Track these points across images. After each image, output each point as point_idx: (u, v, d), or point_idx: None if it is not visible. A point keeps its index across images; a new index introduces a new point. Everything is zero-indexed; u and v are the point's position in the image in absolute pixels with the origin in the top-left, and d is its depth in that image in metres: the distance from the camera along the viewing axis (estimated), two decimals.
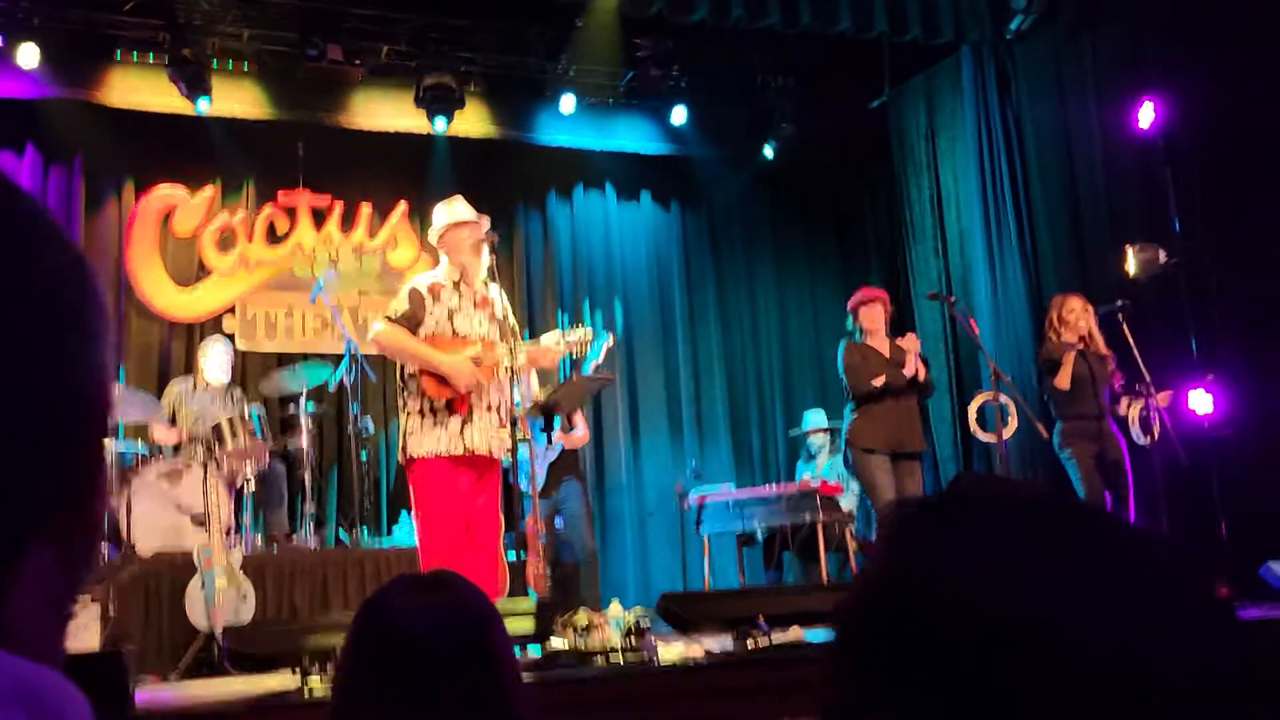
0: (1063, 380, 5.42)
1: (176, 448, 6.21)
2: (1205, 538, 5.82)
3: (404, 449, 4.33)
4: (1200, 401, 6.01)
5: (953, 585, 0.52)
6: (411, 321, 4.35)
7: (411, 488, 4.37)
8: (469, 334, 4.39)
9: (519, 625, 3.51)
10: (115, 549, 5.55)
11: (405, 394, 4.39)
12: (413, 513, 4.43)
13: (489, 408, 4.37)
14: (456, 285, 4.47)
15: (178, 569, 5.26)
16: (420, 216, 7.87)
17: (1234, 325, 6.23)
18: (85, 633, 4.72)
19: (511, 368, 4.33)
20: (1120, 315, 5.49)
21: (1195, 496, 5.87)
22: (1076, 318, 5.58)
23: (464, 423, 4.29)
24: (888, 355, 5.62)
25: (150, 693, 3.80)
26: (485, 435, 4.31)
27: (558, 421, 5.97)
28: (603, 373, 5.66)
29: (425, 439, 4.27)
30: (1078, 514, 0.55)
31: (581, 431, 6.40)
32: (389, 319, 4.35)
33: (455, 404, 4.29)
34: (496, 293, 4.61)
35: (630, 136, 8.24)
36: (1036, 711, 0.48)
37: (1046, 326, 5.70)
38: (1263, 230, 6.07)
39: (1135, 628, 0.50)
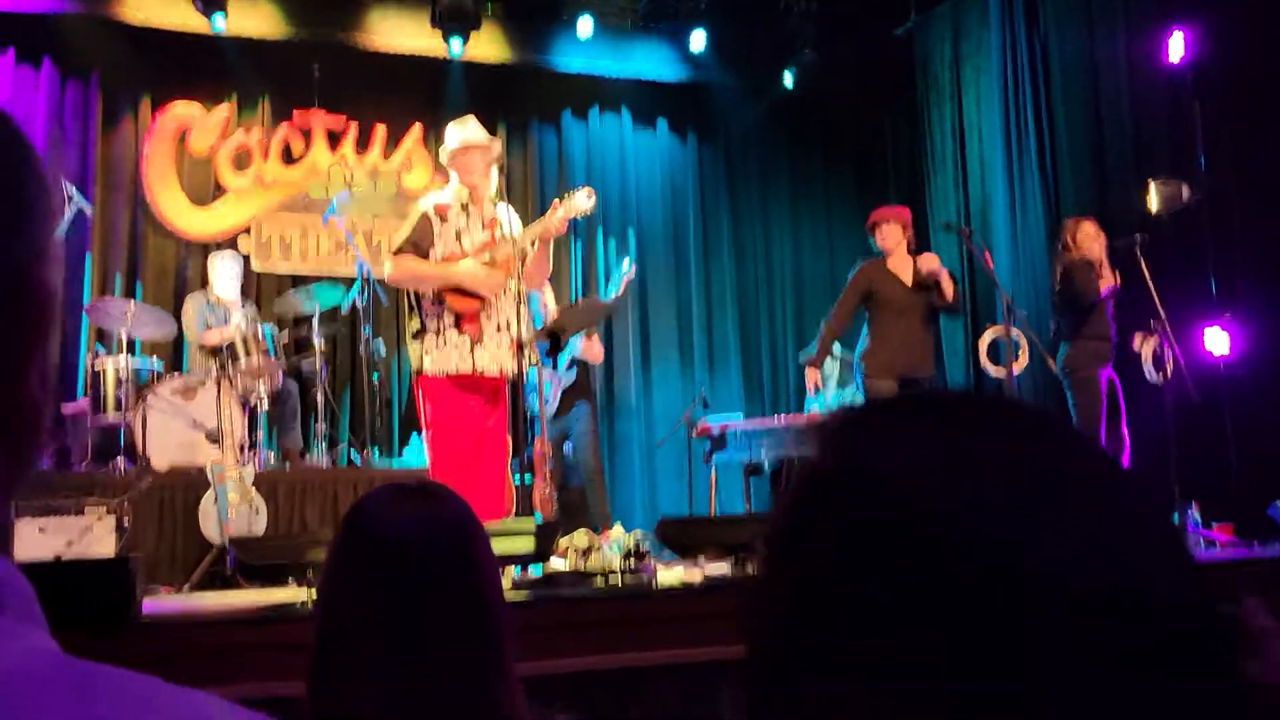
0: (1093, 289, 5.23)
1: (198, 359, 6.25)
2: (1215, 477, 5.80)
3: (416, 366, 4.35)
4: (1215, 340, 5.94)
5: (895, 482, 0.49)
6: (419, 246, 4.34)
7: (421, 406, 4.41)
8: (487, 283, 4.36)
9: (520, 545, 3.54)
10: (131, 463, 5.62)
11: (417, 313, 4.39)
12: (423, 432, 4.47)
13: (499, 328, 4.37)
14: (465, 207, 4.45)
15: (192, 484, 5.32)
16: (435, 140, 7.79)
17: (1254, 265, 6.12)
18: (100, 544, 4.81)
19: (519, 290, 4.31)
20: (1138, 249, 5.39)
21: (1206, 436, 5.83)
22: (1090, 242, 5.46)
23: (474, 343, 4.30)
24: (908, 281, 5.46)
25: (159, 602, 3.88)
26: (495, 356, 4.32)
27: (574, 342, 5.97)
28: (608, 300, 5.62)
29: (437, 357, 4.29)
30: (1035, 419, 0.53)
31: (597, 348, 6.40)
32: (396, 253, 4.36)
33: (464, 322, 4.29)
34: (505, 211, 4.57)
35: (648, 62, 8.10)
36: (974, 615, 0.46)
37: (1059, 247, 5.57)
38: None
39: (1080, 539, 0.47)
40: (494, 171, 4.45)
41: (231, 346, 5.90)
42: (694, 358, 8.26)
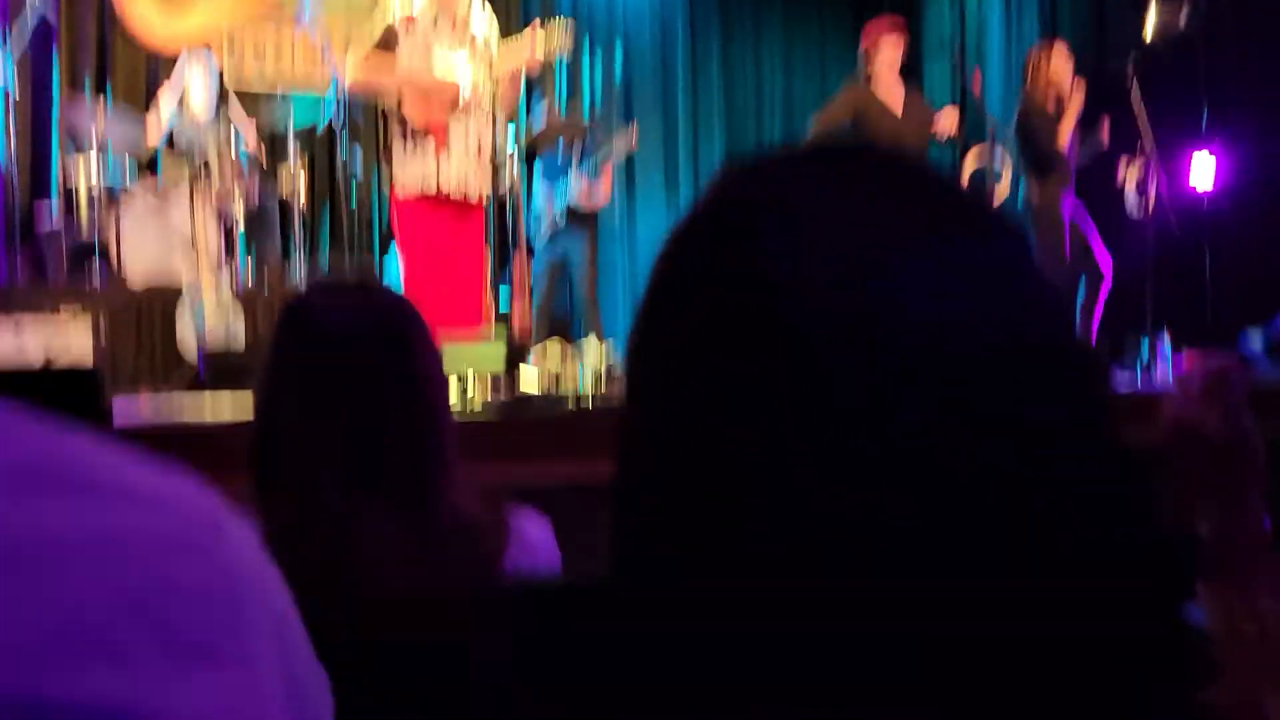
0: (1065, 132, 5.08)
1: (193, 167, 6.11)
2: (1189, 306, 5.82)
3: (386, 185, 4.31)
4: (1202, 167, 5.83)
5: (742, 244, 0.46)
6: (383, 55, 4.19)
7: (395, 224, 4.37)
8: (446, 77, 4.21)
9: (489, 361, 3.56)
10: (106, 275, 5.58)
11: (387, 128, 4.32)
12: (395, 249, 4.45)
13: (467, 149, 4.26)
14: (436, 19, 4.25)
15: (169, 297, 5.30)
16: None
17: (1248, 93, 5.98)
18: (77, 348, 4.82)
19: (494, 109, 4.20)
20: (1131, 72, 5.22)
21: (1183, 266, 5.82)
22: (1061, 72, 5.16)
23: (441, 158, 4.20)
24: (898, 111, 5.13)
25: (132, 410, 3.91)
26: (463, 174, 4.23)
27: (570, 174, 5.87)
28: (577, 119, 5.45)
29: (407, 173, 4.21)
30: (901, 168, 0.49)
31: (602, 194, 6.29)
32: (360, 59, 4.20)
33: (432, 131, 4.17)
34: (482, 23, 4.37)
35: None
36: (817, 387, 0.43)
37: (1024, 78, 5.27)
38: None
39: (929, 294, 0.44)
40: None
41: (206, 164, 5.77)
42: (679, 183, 8.13)
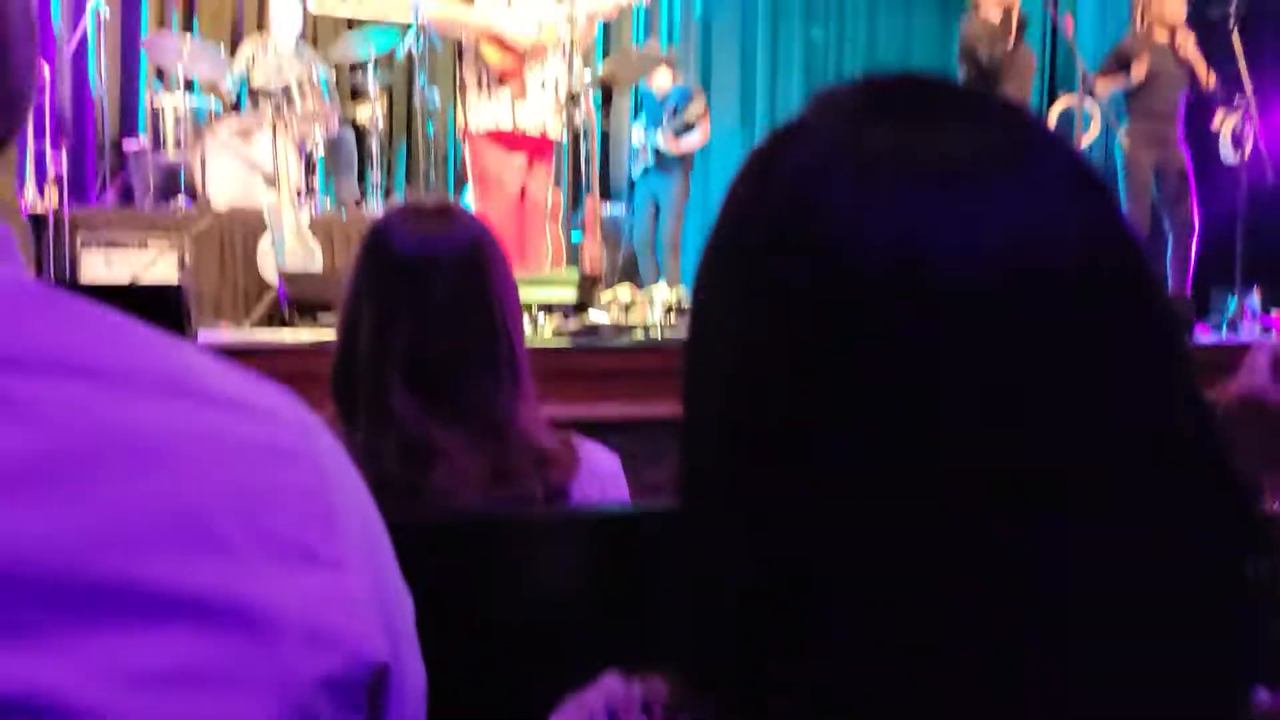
0: (1139, 72, 4.94)
1: (255, 102, 6.22)
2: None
3: (462, 121, 4.31)
4: None
5: (792, 181, 0.46)
6: None
7: (467, 162, 4.39)
8: (525, 23, 4.22)
9: (561, 294, 3.57)
10: (191, 202, 5.69)
11: (462, 65, 4.32)
12: (469, 186, 4.47)
13: (543, 84, 4.27)
14: None
15: (250, 225, 5.39)
16: None
17: None
18: (163, 277, 4.95)
19: (572, 41, 4.16)
20: (1231, 18, 5.00)
21: (1278, 220, 5.60)
22: (1175, 14, 5.02)
23: (515, 98, 4.21)
24: (1009, 43, 4.85)
25: (216, 334, 4.01)
26: (536, 114, 4.24)
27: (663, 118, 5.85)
28: (657, 51, 5.41)
29: (480, 112, 4.23)
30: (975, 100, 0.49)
31: (697, 137, 6.26)
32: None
33: (507, 75, 4.18)
34: None
35: None
36: (879, 324, 0.42)
37: (1136, 19, 5.16)
38: None
39: (985, 224, 0.43)
40: None
41: (288, 90, 5.82)
42: (755, 124, 7.99)
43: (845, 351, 0.43)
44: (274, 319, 4.92)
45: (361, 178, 6.50)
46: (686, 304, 3.79)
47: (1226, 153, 5.06)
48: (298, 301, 4.23)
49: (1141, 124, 5.08)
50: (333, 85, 6.01)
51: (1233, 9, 5.01)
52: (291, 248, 5.20)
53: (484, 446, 1.38)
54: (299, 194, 5.68)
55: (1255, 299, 4.96)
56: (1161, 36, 5.08)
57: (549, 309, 3.45)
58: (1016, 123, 0.47)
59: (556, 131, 4.30)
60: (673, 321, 3.57)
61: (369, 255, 1.45)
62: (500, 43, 4.21)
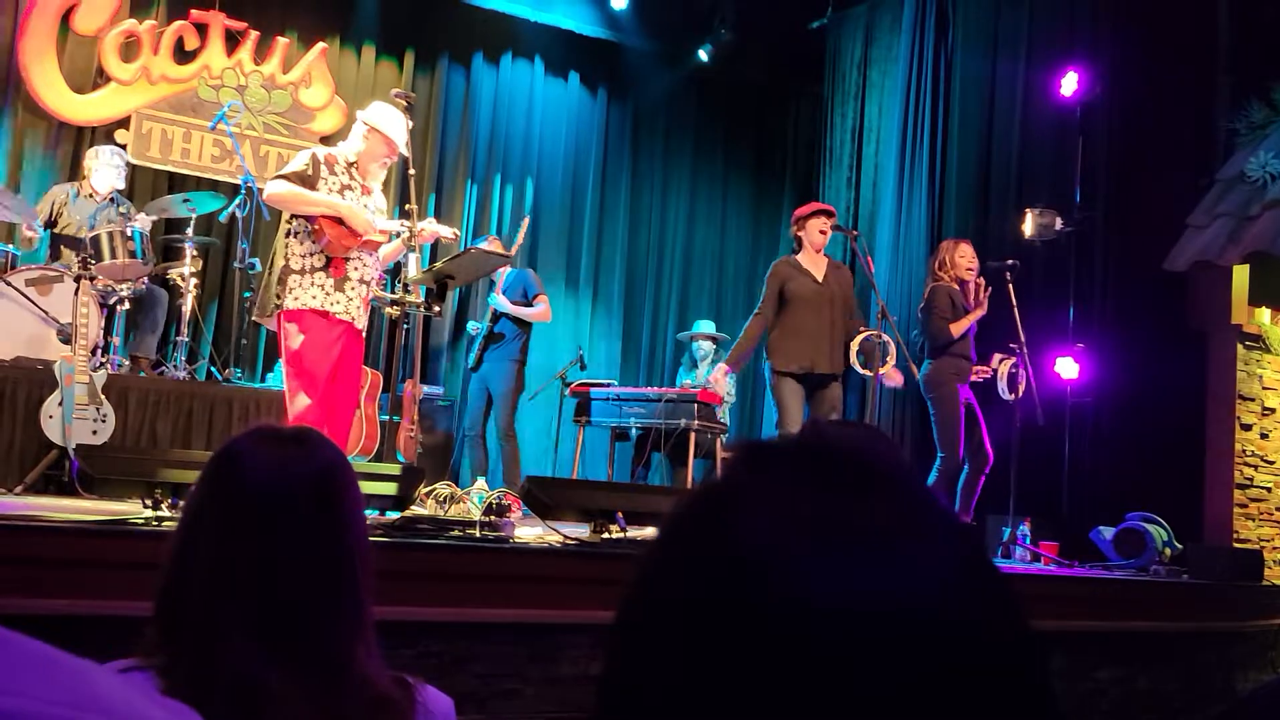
0: (960, 328, 5.47)
1: (55, 255, 5.93)
2: (1048, 497, 6.11)
3: (275, 304, 4.33)
4: (1066, 368, 6.24)
5: (731, 545, 0.50)
6: (306, 182, 4.35)
7: (281, 337, 4.34)
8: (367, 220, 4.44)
9: (381, 488, 3.48)
10: None
11: (286, 251, 4.37)
12: (282, 361, 4.40)
13: (362, 280, 4.42)
14: (351, 168, 4.49)
15: (36, 380, 5.05)
16: (339, 61, 7.53)
17: (1112, 299, 6.45)
18: None
19: (384, 252, 4.33)
20: (1008, 274, 5.61)
21: (1045, 457, 6.13)
22: (967, 264, 5.64)
23: (337, 286, 4.32)
24: (819, 277, 5.41)
25: None
26: (348, 307, 4.34)
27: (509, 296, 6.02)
28: (499, 247, 5.58)
29: (302, 293, 4.26)
30: (868, 471, 0.55)
31: (541, 307, 6.41)
32: (283, 176, 4.32)
33: (332, 266, 4.31)
34: (379, 200, 4.64)
35: (567, 12, 8.00)
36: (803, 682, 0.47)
37: (934, 266, 5.73)
38: (1160, 212, 6.26)
39: (902, 593, 0.48)
40: (383, 174, 4.59)
41: (96, 241, 5.58)
42: (577, 317, 8.24)
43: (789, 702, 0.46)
44: (52, 487, 4.56)
45: (165, 339, 6.23)
46: (506, 504, 3.77)
47: (1003, 390, 5.57)
48: (89, 475, 3.94)
49: (952, 360, 5.56)
50: (147, 240, 5.80)
51: (1009, 265, 5.63)
52: (82, 409, 4.89)
53: (320, 692, 1.31)
54: (95, 351, 5.37)
55: (1026, 528, 5.38)
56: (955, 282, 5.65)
57: (368, 502, 3.35)
58: (925, 498, 0.54)
59: (362, 325, 4.43)
60: (493, 521, 3.53)
61: (216, 479, 1.39)
62: (342, 228, 4.31)
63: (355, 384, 4.53)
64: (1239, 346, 6.10)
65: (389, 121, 4.47)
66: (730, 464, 0.58)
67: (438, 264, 4.37)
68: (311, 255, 4.33)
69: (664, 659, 0.51)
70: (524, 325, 6.42)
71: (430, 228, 4.59)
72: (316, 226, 4.29)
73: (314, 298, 4.29)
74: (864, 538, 0.49)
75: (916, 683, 0.47)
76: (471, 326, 6.69)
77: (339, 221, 4.32)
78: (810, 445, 0.58)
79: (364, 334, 4.53)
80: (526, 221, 6.22)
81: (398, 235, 4.52)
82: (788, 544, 0.49)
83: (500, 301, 6.31)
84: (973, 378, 5.58)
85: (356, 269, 4.38)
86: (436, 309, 4.38)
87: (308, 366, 4.24)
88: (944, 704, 0.48)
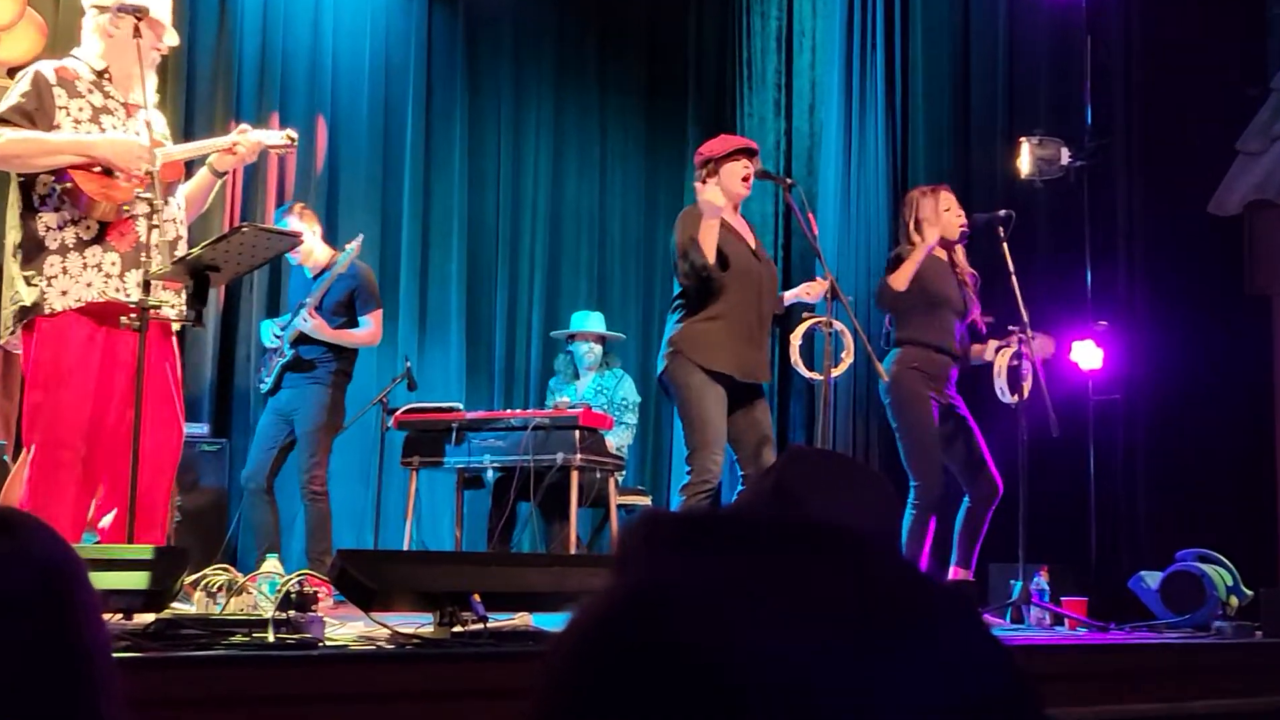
0: (900, 280, 5.59)
1: None
2: (1071, 535, 6.28)
3: (30, 302, 4.22)
4: (1086, 356, 6.43)
5: (679, 622, 0.61)
6: (37, 115, 4.24)
7: (26, 361, 4.31)
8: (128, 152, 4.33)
9: (126, 580, 3.43)
10: None
11: (25, 229, 4.29)
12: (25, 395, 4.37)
13: (168, 243, 4.35)
14: (102, 77, 4.41)
15: None
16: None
17: (1144, 257, 6.66)
18: None
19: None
20: (1000, 229, 5.75)
21: (1065, 481, 6.30)
22: (953, 218, 5.78)
23: (127, 262, 4.24)
24: (751, 244, 5.43)
25: None
26: (158, 288, 4.26)
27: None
28: (289, 229, 5.54)
29: (71, 285, 4.20)
30: (829, 538, 0.66)
31: (371, 328, 6.42)
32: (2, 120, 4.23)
33: (110, 234, 4.25)
34: (158, 122, 4.62)
35: None
36: None
37: (903, 226, 5.86)
38: (1200, 136, 6.47)
39: (877, 669, 0.59)
40: (155, 58, 4.51)
41: None
42: (399, 316, 8.19)
43: None
44: None
45: None
46: (311, 591, 3.73)
47: (1002, 391, 5.72)
48: None
49: (914, 350, 5.68)
50: None
51: (1002, 216, 5.77)
52: None
53: None
54: None
55: (1042, 580, 5.54)
56: (940, 254, 5.80)
57: (106, 598, 3.29)
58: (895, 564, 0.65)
59: (180, 309, 4.39)
60: (293, 618, 3.50)
61: None
62: (98, 170, 4.25)
63: (169, 422, 4.41)
64: None
65: None
66: (646, 544, 0.67)
67: (194, 250, 4.29)
68: (71, 226, 4.23)
69: None
70: (343, 349, 6.38)
71: (252, 138, 4.52)
72: (69, 183, 4.20)
73: (90, 286, 4.21)
74: (836, 626, 0.60)
75: None
76: (270, 330, 6.57)
77: (104, 172, 4.23)
78: (752, 513, 0.70)
79: (174, 331, 4.47)
80: (360, 240, 6.19)
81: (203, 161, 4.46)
82: (759, 650, 0.59)
83: (309, 327, 6.23)
84: (955, 373, 5.74)
85: (151, 226, 4.19)
86: (195, 315, 4.31)
87: (68, 400, 4.15)
88: None
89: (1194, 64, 6.57)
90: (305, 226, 6.14)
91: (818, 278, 5.52)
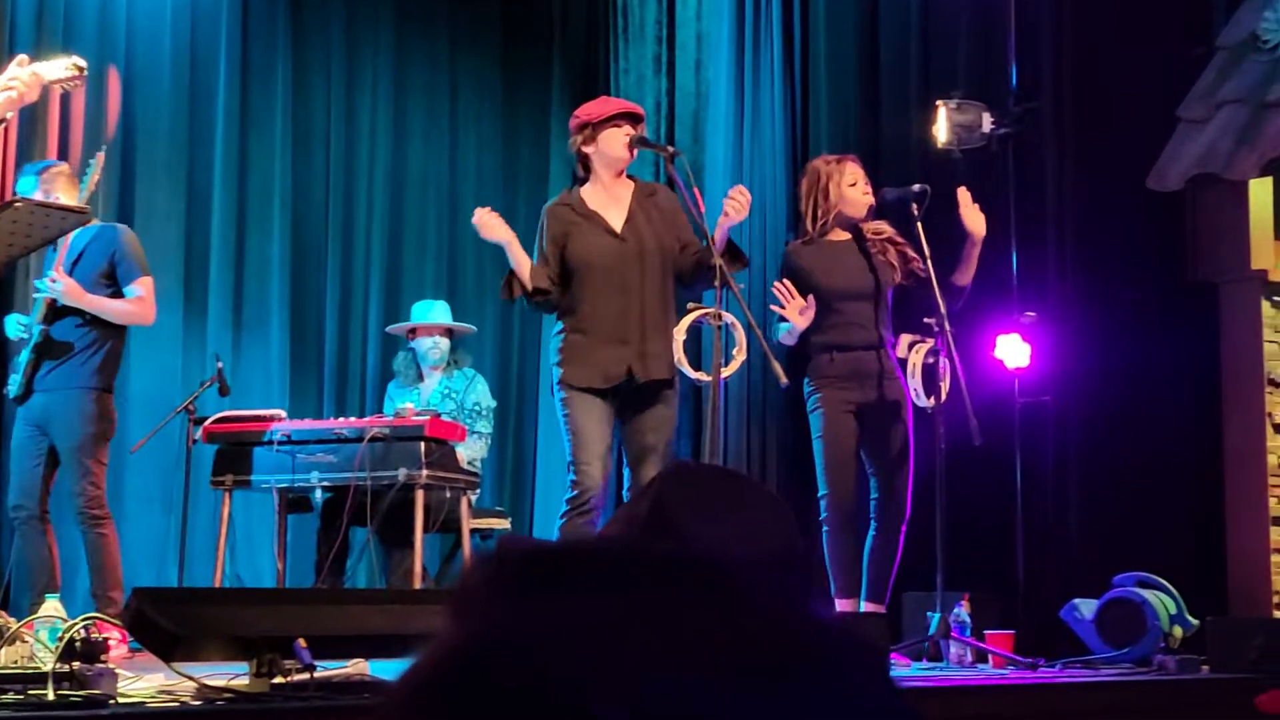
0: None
1: None
2: (995, 559, 6.38)
3: None
4: (1011, 352, 6.53)
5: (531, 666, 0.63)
6: None
7: None
8: None
9: None
10: None
11: None
12: None
13: None
14: None
15: None
16: None
17: (1075, 239, 6.78)
18: None
19: None
20: (914, 206, 5.81)
21: (987, 496, 6.40)
22: (859, 193, 5.86)
23: None
24: (617, 229, 5.52)
25: None
26: None
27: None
28: (69, 192, 5.43)
29: None
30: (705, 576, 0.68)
31: (142, 295, 6.21)
32: None
33: None
34: None
35: None
36: None
37: (805, 201, 5.95)
38: (1137, 100, 6.60)
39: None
40: None
41: None
42: (208, 307, 8.10)
43: None
44: None
45: None
46: (100, 637, 3.66)
47: (917, 393, 5.77)
48: None
49: (827, 356, 5.78)
50: None
51: (916, 192, 5.83)
52: None
53: None
54: None
55: (963, 611, 5.61)
56: (842, 236, 5.87)
57: None
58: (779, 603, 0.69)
59: None
60: (78, 671, 3.44)
61: None
62: None
63: None
64: (1265, 304, 6.43)
65: None
66: (488, 586, 0.69)
67: None
68: None
69: None
70: (108, 327, 6.20)
71: (30, 70, 4.49)
72: None
73: None
74: (701, 674, 0.62)
75: None
76: (14, 325, 6.39)
77: None
78: (614, 545, 0.70)
79: None
80: (101, 158, 6.03)
81: None
82: (612, 703, 0.61)
83: (60, 289, 6.04)
84: (884, 359, 5.80)
85: None
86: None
87: None
88: None
89: (1131, 19, 6.70)
90: (65, 193, 5.94)
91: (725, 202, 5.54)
